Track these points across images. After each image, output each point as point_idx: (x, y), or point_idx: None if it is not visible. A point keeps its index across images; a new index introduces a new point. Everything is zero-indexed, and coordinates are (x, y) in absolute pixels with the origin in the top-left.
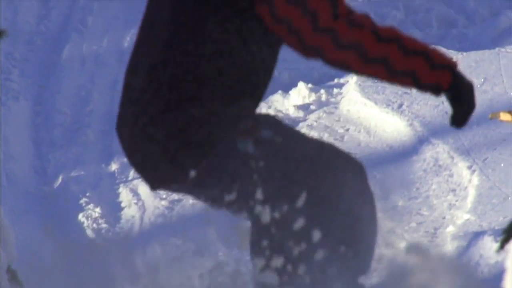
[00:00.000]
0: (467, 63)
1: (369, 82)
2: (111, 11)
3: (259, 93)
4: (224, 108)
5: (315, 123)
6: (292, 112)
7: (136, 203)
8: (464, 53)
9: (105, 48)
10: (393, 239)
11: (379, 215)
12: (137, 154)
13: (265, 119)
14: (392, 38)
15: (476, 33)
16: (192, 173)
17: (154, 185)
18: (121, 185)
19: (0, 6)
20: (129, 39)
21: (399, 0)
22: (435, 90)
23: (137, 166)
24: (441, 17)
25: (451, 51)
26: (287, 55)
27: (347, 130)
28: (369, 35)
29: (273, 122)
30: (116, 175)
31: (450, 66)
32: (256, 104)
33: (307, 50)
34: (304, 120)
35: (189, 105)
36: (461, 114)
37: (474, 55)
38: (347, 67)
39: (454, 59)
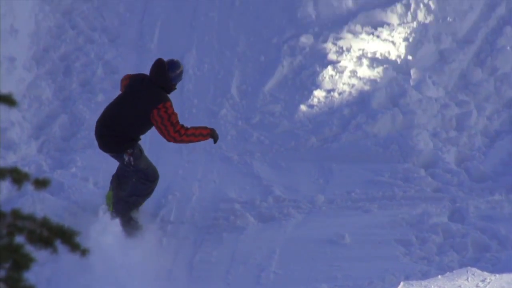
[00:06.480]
0: (500, 284)
1: None
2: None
3: (138, 137)
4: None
5: None
6: None
7: None
8: (497, 275)
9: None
10: None
11: None
12: (97, 138)
13: (138, 151)
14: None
15: (508, 257)
16: (111, 154)
17: (101, 149)
18: None
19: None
20: (198, 258)
21: (438, 226)
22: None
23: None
24: (476, 242)
25: (485, 273)
26: None
27: None
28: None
29: (139, 152)
30: None
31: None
32: (138, 139)
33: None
34: None
35: (115, 133)
36: None
37: (506, 277)
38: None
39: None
